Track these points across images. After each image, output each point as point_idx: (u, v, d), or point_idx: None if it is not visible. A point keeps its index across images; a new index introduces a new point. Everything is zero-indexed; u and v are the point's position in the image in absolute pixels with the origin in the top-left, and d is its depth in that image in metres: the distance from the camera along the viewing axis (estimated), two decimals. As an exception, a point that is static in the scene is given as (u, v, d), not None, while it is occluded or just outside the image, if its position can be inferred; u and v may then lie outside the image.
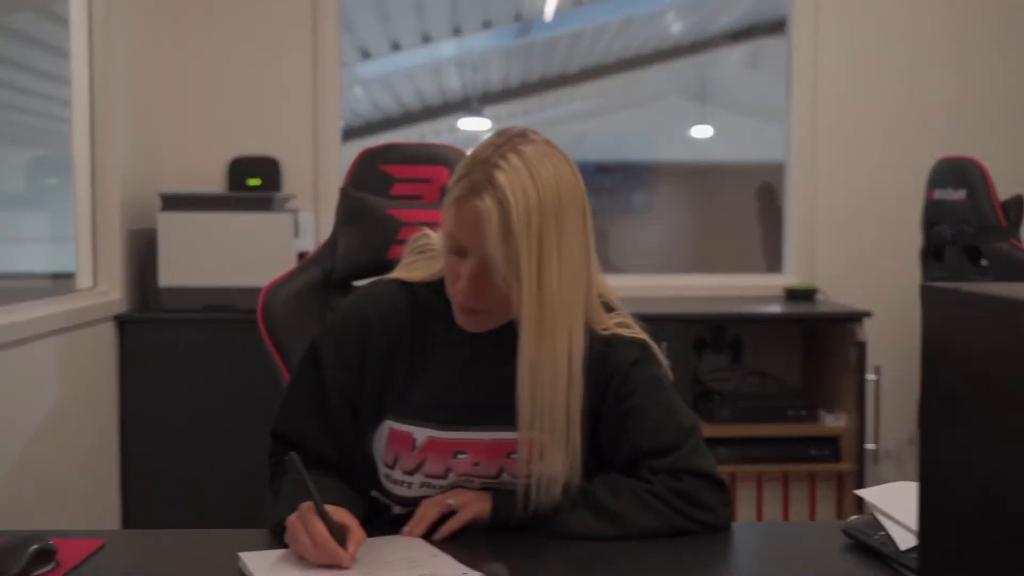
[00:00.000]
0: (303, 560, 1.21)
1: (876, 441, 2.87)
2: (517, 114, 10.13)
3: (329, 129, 3.64)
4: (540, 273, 1.29)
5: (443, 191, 2.00)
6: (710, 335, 3.65)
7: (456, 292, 1.34)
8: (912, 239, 3.41)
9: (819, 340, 3.55)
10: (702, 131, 11.35)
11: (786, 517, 3.37)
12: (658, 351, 1.44)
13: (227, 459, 3.03)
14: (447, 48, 8.25)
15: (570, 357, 1.33)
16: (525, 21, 8.31)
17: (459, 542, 1.31)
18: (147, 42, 3.43)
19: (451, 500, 1.35)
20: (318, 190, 3.63)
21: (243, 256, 3.07)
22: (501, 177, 1.28)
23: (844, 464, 3.29)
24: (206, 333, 3.10)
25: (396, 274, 1.47)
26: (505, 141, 1.31)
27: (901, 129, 3.69)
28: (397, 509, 1.42)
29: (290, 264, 3.12)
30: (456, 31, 8.27)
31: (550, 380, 1.32)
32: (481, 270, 1.31)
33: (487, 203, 1.28)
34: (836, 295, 3.62)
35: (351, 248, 1.88)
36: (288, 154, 3.59)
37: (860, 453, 2.93)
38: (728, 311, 3.50)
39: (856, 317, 3.18)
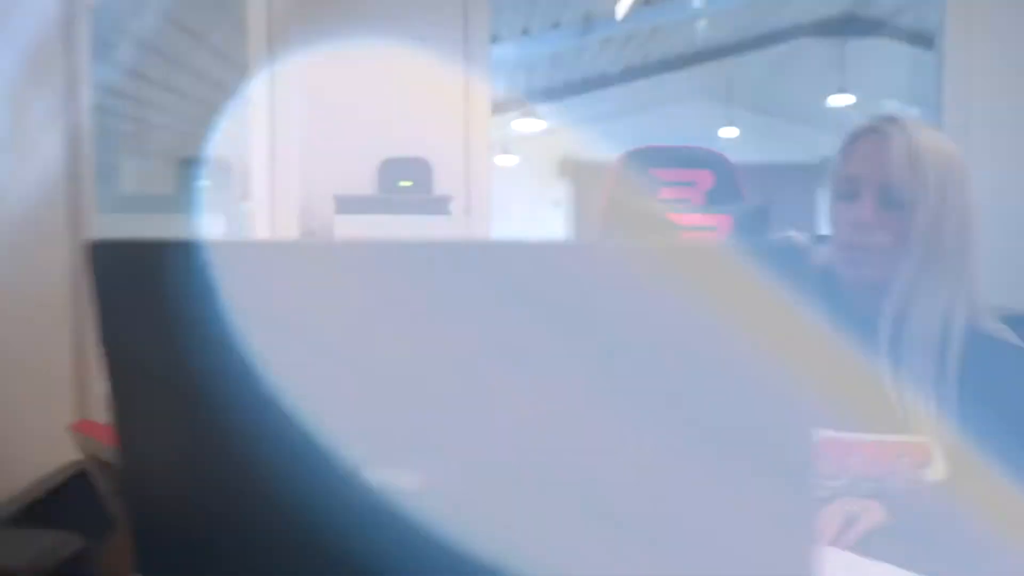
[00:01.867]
0: None
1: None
2: (550, 115, 10.09)
3: (478, 131, 3.61)
4: (940, 210, 1.29)
5: (709, 195, 2.01)
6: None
7: (845, 230, 1.34)
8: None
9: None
10: (729, 132, 11.28)
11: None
12: None
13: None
14: (501, 49, 8.22)
15: (947, 322, 1.32)
16: (592, 21, 8.28)
17: (861, 552, 1.29)
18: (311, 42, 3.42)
19: (849, 507, 1.33)
20: (470, 191, 3.60)
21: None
22: (904, 121, 1.31)
23: None
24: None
25: None
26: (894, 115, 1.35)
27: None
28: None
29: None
30: (525, 31, 8.25)
31: (920, 338, 1.31)
32: (877, 198, 1.31)
33: (891, 131, 1.31)
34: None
35: (629, 252, 1.87)
36: (437, 155, 3.56)
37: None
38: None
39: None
